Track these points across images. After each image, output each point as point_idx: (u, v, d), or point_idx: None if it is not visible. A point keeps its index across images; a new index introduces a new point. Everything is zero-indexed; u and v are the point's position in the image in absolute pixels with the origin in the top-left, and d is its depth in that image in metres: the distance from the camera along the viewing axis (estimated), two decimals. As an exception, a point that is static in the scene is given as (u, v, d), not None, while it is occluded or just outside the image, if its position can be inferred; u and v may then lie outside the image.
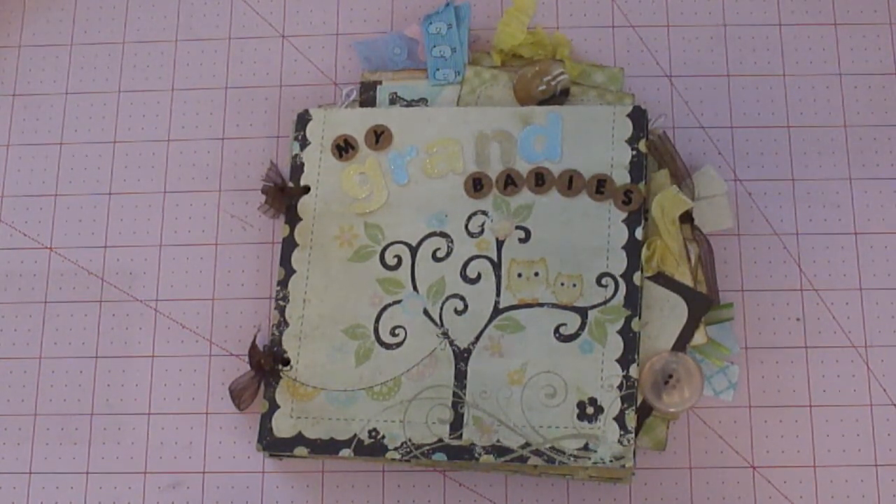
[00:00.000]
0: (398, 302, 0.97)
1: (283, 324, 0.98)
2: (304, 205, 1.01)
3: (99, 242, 1.04)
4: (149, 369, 1.01)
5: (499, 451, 0.93)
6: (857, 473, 0.96)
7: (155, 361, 1.02)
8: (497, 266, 0.97)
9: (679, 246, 0.96)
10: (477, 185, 0.99)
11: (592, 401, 0.93)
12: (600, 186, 0.98)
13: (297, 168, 1.02)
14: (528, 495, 0.97)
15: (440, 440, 0.94)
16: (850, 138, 1.03)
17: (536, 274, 0.96)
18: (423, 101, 1.04)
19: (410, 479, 0.98)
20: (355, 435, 0.95)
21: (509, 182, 0.99)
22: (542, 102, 1.02)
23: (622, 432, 0.92)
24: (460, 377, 0.95)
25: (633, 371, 0.93)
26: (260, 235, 1.03)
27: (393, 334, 0.97)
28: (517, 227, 0.98)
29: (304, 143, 1.02)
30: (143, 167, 1.06)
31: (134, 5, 1.10)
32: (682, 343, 0.95)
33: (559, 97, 1.02)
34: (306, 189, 1.01)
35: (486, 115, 1.01)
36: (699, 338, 0.95)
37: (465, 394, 0.94)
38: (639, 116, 0.99)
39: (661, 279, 0.96)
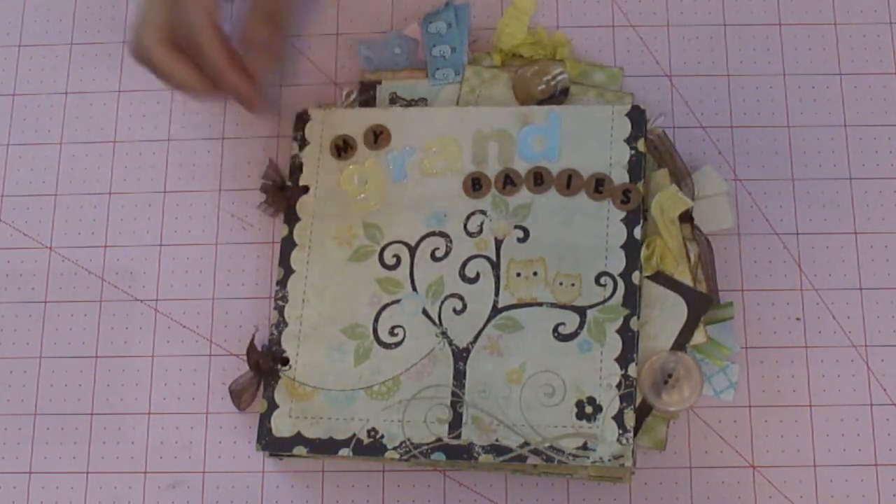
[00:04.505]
0: (397, 301, 0.97)
1: (281, 323, 0.98)
2: (303, 205, 1.01)
3: (99, 242, 1.04)
4: (149, 369, 1.01)
5: (498, 450, 0.93)
6: (857, 473, 0.96)
7: (155, 361, 1.02)
8: (496, 265, 0.97)
9: (679, 245, 0.96)
10: (476, 184, 0.99)
11: (591, 400, 0.93)
12: (599, 186, 0.97)
13: (296, 168, 1.02)
14: (528, 495, 0.97)
15: (439, 440, 0.94)
16: (850, 138, 1.03)
17: (535, 273, 0.96)
18: (422, 101, 1.04)
19: (410, 479, 0.98)
20: (354, 434, 0.95)
21: (508, 182, 0.99)
22: (541, 102, 1.02)
23: (621, 431, 0.92)
24: (459, 377, 0.95)
25: (632, 370, 0.93)
26: (260, 235, 1.04)
27: (392, 334, 0.97)
28: (516, 227, 0.98)
29: (302, 143, 1.03)
30: (143, 167, 1.06)
31: (134, 5, 1.10)
32: (681, 342, 0.95)
33: (559, 97, 1.02)
34: (305, 189, 1.01)
35: (485, 115, 1.01)
36: (699, 337, 0.95)
37: (463, 393, 0.94)
38: (637, 116, 0.99)
39: (661, 278, 0.96)
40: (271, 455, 0.98)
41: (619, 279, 0.95)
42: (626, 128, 0.99)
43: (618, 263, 0.96)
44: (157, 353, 1.02)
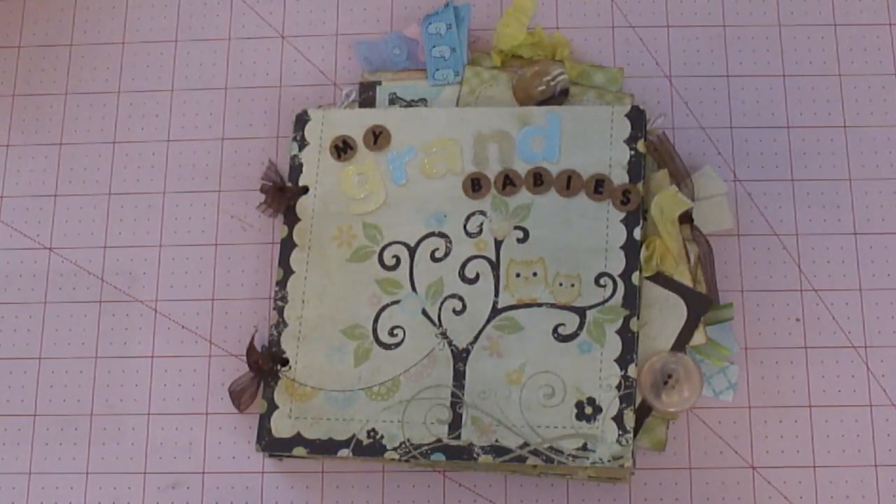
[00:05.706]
0: (397, 302, 0.97)
1: (281, 324, 0.98)
2: (303, 205, 1.01)
3: (99, 242, 1.04)
4: (149, 369, 1.01)
5: (497, 451, 0.93)
6: (857, 473, 0.96)
7: (155, 361, 1.02)
8: (495, 266, 0.97)
9: (678, 246, 0.96)
10: (475, 185, 0.99)
11: (591, 401, 0.93)
12: (598, 186, 0.97)
13: (296, 169, 1.02)
14: (528, 495, 0.97)
15: (439, 440, 0.94)
16: (850, 138, 1.03)
17: (535, 274, 0.96)
18: (422, 102, 1.04)
19: (410, 480, 0.98)
20: (354, 435, 0.95)
21: (508, 182, 0.99)
22: (541, 103, 1.02)
23: (620, 432, 0.92)
24: (459, 377, 0.95)
25: (632, 371, 0.93)
26: (259, 236, 1.03)
27: (391, 334, 0.97)
28: (515, 228, 0.98)
29: (302, 144, 1.03)
30: (143, 167, 1.06)
31: (134, 5, 1.10)
32: (681, 343, 0.95)
33: (558, 97, 1.02)
34: (305, 189, 1.01)
35: (485, 116, 1.01)
36: (699, 338, 0.95)
37: (463, 394, 0.94)
38: (637, 117, 0.99)
39: (661, 279, 0.96)
40: (271, 455, 0.98)
41: (618, 280, 0.95)
42: (626, 128, 0.99)
43: (617, 264, 0.96)
44: (156, 353, 1.02)
